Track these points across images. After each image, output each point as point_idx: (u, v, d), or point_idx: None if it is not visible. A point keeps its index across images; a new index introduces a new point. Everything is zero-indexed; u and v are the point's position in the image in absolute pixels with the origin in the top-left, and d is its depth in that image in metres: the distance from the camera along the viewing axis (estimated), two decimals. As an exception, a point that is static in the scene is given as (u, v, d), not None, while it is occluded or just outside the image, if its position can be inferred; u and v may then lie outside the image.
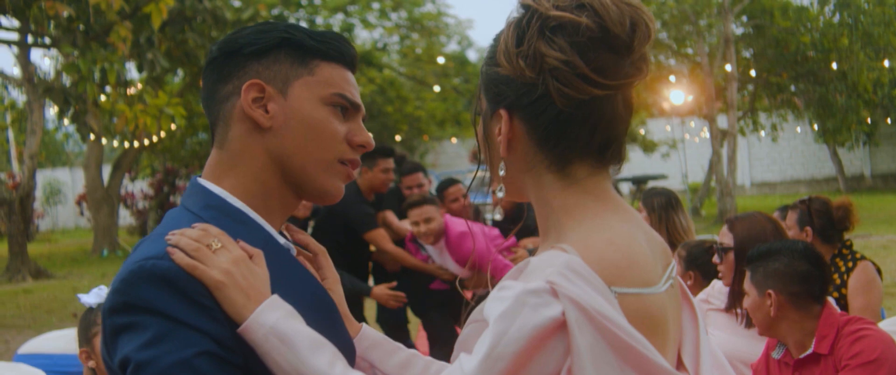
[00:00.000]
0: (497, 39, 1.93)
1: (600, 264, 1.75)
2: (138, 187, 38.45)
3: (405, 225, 8.75)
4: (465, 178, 33.35)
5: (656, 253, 1.93)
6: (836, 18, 32.06)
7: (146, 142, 26.57)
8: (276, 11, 32.61)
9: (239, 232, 2.10)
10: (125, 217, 36.97)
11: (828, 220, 6.12)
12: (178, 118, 14.47)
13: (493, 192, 2.02)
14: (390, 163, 8.74)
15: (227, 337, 1.93)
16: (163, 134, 21.91)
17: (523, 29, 1.85)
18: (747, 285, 4.46)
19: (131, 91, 16.06)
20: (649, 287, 1.81)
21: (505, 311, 1.68)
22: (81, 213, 39.64)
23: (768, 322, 4.37)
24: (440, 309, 8.76)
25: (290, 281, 2.15)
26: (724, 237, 5.19)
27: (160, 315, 1.88)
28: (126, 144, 29.10)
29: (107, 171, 31.13)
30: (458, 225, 8.17)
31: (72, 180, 45.91)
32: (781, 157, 45.03)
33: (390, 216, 8.98)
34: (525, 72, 1.83)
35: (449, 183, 9.34)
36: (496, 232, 8.34)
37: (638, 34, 1.82)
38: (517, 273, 1.80)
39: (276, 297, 1.99)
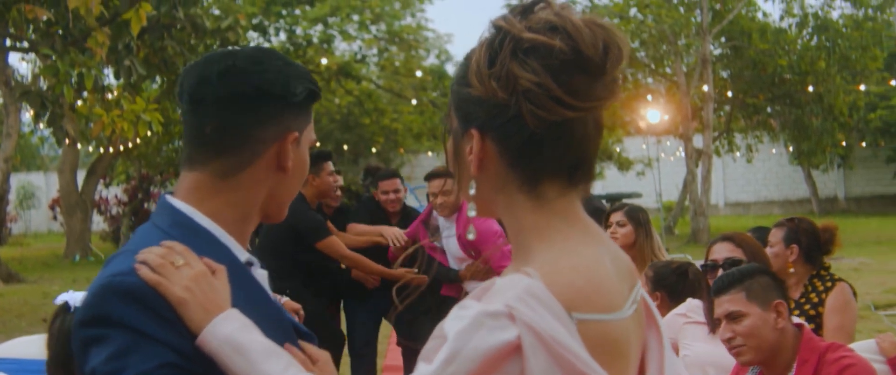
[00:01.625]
0: (468, 59, 1.93)
1: (563, 289, 1.75)
2: (112, 193, 38.27)
3: (372, 230, 8.78)
4: (440, 192, 33.35)
5: (622, 274, 1.92)
6: (814, 42, 32.33)
7: (122, 147, 26.47)
8: (256, 21, 32.62)
9: (205, 250, 2.16)
10: (98, 222, 36.85)
11: (814, 241, 6.17)
12: (155, 124, 14.41)
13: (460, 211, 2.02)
14: (331, 165, 8.69)
15: (188, 349, 2.01)
16: (139, 140, 21.84)
17: (495, 50, 1.84)
18: (743, 305, 4.36)
19: (108, 96, 16.04)
20: (613, 312, 1.81)
21: (462, 330, 1.70)
22: (54, 218, 39.48)
23: (773, 339, 4.31)
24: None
25: (251, 299, 2.21)
26: (732, 252, 5.21)
27: (127, 329, 1.96)
28: (101, 150, 29.01)
29: (81, 176, 31.03)
30: None
31: (46, 184, 45.75)
32: (756, 178, 45.25)
33: (356, 226, 8.94)
34: (497, 93, 1.83)
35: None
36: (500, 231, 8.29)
37: (610, 57, 1.82)
38: (481, 292, 1.79)
39: (233, 310, 2.06)
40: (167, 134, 28.44)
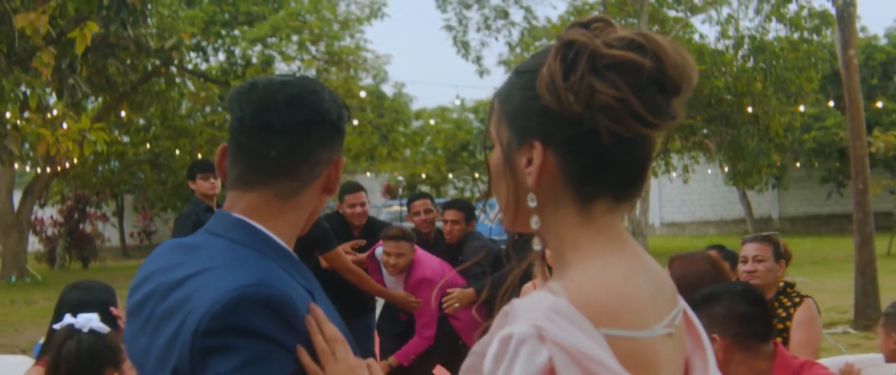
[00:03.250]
0: (529, 72, 1.92)
1: (589, 305, 1.74)
2: (48, 213, 37.90)
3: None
4: (379, 213, 33.36)
5: (661, 295, 1.93)
6: (751, 63, 32.66)
7: (59, 168, 26.22)
8: (193, 40, 32.40)
9: (288, 267, 2.28)
10: (33, 243, 36.39)
11: (788, 259, 6.32)
12: (100, 144, 14.28)
13: (520, 224, 2.00)
14: None
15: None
16: (77, 159, 21.66)
17: (570, 63, 1.84)
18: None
19: (51, 115, 15.89)
20: (641, 330, 1.80)
21: (502, 369, 1.70)
22: (-12, 239, 39.00)
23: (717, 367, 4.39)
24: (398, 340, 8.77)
25: (333, 311, 2.36)
26: None
27: (260, 338, 2.04)
28: (39, 170, 28.74)
29: (16, 197, 30.69)
30: (424, 268, 8.44)
31: (-21, 205, 45.18)
32: (691, 199, 45.63)
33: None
34: (572, 106, 1.82)
35: (416, 196, 9.67)
36: (447, 268, 8.47)
37: (685, 79, 1.85)
38: (503, 317, 1.79)
39: None
40: (103, 154, 28.25)
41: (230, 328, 2.03)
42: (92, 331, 4.44)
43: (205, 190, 9.41)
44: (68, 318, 4.49)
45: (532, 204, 1.93)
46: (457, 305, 8.35)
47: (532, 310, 1.73)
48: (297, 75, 2.46)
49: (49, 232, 37.13)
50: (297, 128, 2.32)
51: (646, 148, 1.90)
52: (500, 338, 1.71)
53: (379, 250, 8.61)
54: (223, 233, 2.31)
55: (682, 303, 2.05)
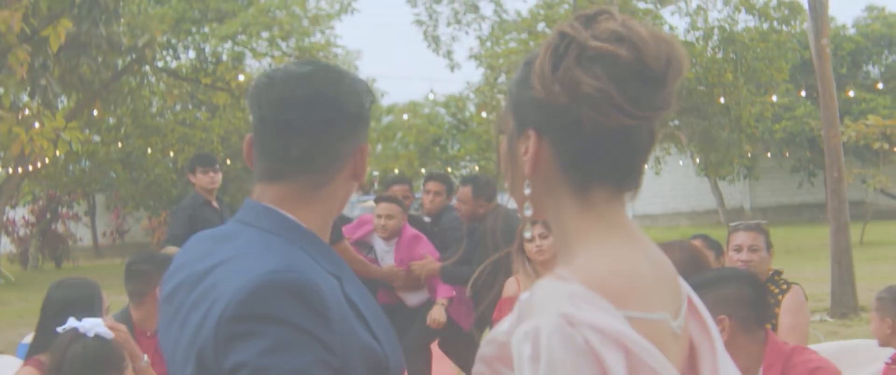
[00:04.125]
0: (529, 64, 1.97)
1: (601, 289, 1.78)
2: (19, 214, 37.62)
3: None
4: (353, 208, 33.31)
5: (665, 282, 1.97)
6: (721, 54, 32.75)
7: (31, 167, 26.10)
8: (163, 38, 32.25)
9: (316, 253, 2.28)
10: (5, 244, 36.15)
11: None
12: (75, 142, 14.20)
13: (522, 211, 2.04)
14: None
15: (335, 344, 2.09)
16: (48, 159, 21.57)
17: (560, 55, 1.88)
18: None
19: (24, 114, 15.80)
20: (649, 312, 1.83)
21: (535, 358, 1.71)
22: (-40, 241, 38.74)
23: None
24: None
25: (367, 296, 2.37)
26: None
27: (285, 324, 2.04)
28: (10, 170, 28.59)
29: (-13, 198, 30.50)
30: (411, 229, 8.91)
31: (-51, 206, 44.85)
32: (663, 190, 45.66)
33: None
34: (559, 96, 1.87)
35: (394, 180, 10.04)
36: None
37: (671, 70, 1.87)
38: (518, 312, 1.83)
39: None
40: (73, 153, 28.12)
41: (255, 314, 2.04)
42: (97, 336, 4.46)
43: (204, 183, 9.49)
44: (73, 321, 4.50)
45: (527, 190, 1.99)
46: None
47: (551, 300, 1.76)
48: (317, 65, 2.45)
49: (21, 232, 36.87)
50: (317, 126, 2.35)
51: (638, 137, 1.93)
52: (528, 336, 1.73)
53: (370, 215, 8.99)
54: (252, 222, 2.33)
55: (686, 288, 2.08)
